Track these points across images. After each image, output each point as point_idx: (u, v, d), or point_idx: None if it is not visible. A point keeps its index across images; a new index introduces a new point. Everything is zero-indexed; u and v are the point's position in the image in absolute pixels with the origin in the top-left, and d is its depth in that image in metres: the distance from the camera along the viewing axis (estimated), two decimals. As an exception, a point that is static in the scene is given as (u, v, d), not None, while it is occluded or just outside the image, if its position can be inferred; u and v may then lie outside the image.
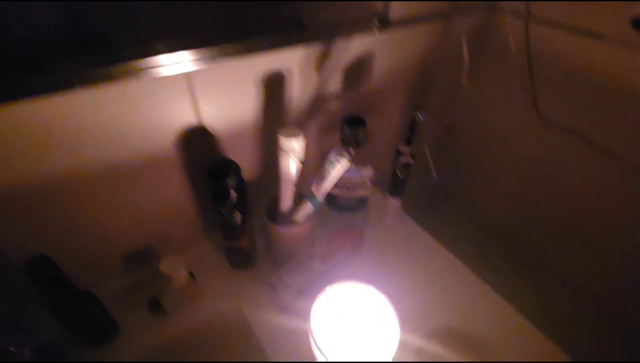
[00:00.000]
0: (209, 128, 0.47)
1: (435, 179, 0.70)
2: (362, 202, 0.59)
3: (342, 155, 0.45)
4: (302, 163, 0.47)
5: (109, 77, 0.37)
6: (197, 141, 0.48)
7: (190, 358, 0.49)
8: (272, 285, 0.50)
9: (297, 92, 0.53)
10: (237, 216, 0.49)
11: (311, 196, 0.49)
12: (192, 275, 0.52)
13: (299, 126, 0.54)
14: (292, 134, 0.45)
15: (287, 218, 0.51)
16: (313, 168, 0.56)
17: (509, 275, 0.65)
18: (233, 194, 0.46)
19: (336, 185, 0.56)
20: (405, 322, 0.49)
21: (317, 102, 0.56)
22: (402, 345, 0.47)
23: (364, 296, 0.41)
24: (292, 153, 0.46)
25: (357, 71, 0.58)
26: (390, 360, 0.36)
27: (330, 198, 0.59)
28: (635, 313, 0.57)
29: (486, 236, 0.74)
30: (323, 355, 0.34)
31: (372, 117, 0.65)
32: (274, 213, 0.53)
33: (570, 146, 0.59)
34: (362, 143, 0.52)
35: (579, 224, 0.61)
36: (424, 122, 0.51)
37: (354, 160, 0.53)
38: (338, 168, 0.46)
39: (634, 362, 0.59)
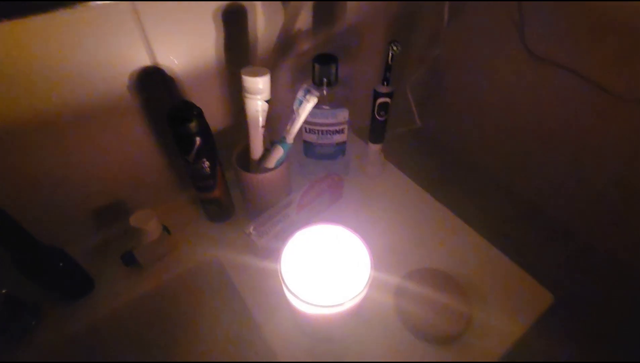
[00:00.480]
0: (166, 70, 0.44)
1: (419, 125, 0.68)
2: (340, 149, 0.57)
3: (310, 93, 0.42)
4: (268, 103, 0.44)
5: (41, 7, 0.33)
6: (155, 85, 0.44)
7: (168, 310, 0.49)
8: (248, 234, 0.49)
9: (263, 29, 0.49)
10: (206, 164, 0.46)
11: (281, 140, 0.46)
12: (166, 229, 0.51)
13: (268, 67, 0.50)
14: (257, 73, 0.42)
15: (258, 165, 0.49)
16: (287, 114, 0.53)
17: (496, 218, 0.65)
18: (197, 140, 0.44)
19: (312, 131, 0.54)
20: (388, 265, 0.49)
21: (287, 41, 0.53)
22: (383, 286, 0.47)
23: (337, 237, 0.40)
24: (258, 94, 0.43)
25: (329, 5, 0.53)
26: (362, 296, 0.35)
27: (307, 145, 0.57)
28: (623, 249, 0.57)
29: (471, 180, 0.72)
30: (293, 295, 0.34)
31: (349, 58, 0.61)
32: (245, 161, 0.50)
33: (560, 82, 0.55)
34: (334, 82, 0.49)
35: (568, 161, 0.59)
36: (400, 56, 0.48)
37: (328, 101, 0.50)
38: (307, 107, 0.43)
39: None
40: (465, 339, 0.43)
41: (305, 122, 0.53)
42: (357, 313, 0.44)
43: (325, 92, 0.50)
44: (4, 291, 0.41)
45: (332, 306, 0.33)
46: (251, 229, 0.49)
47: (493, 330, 0.44)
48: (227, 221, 0.55)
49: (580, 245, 0.61)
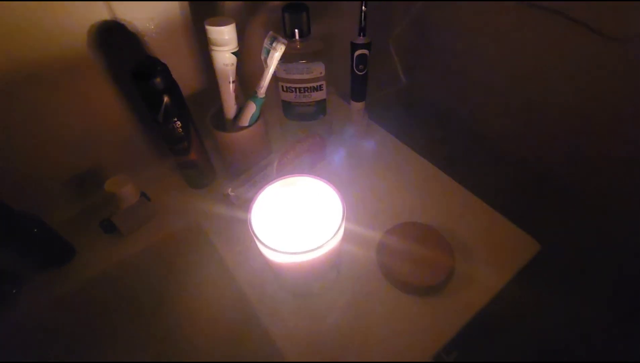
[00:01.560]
0: (127, 25, 0.42)
1: (403, 81, 0.65)
2: (320, 107, 0.55)
3: (277, 40, 0.40)
4: (237, 56, 0.42)
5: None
6: (117, 41, 0.43)
7: (149, 276, 0.48)
8: (226, 195, 0.48)
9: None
10: (178, 125, 0.45)
11: (253, 95, 0.45)
12: (145, 195, 0.50)
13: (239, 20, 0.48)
14: (221, 23, 0.40)
15: (233, 124, 0.48)
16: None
17: (482, 172, 0.63)
18: (165, 98, 0.42)
19: (289, 89, 0.52)
20: (371, 220, 0.48)
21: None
22: (366, 241, 0.46)
23: (312, 189, 0.39)
24: (224, 46, 0.41)
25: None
26: (334, 244, 0.34)
27: (286, 105, 0.55)
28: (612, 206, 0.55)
29: (458, 137, 0.70)
30: (261, 243, 0.33)
31: (325, 10, 0.58)
32: (221, 122, 0.49)
33: (547, 26, 0.52)
34: (306, 33, 0.47)
35: (560, 109, 0.57)
36: (381, 11, 0.45)
37: (302, 55, 0.48)
38: (275, 56, 0.41)
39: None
40: (449, 289, 0.42)
41: (282, 80, 0.51)
42: (337, 268, 0.43)
43: (298, 45, 0.48)
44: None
45: (301, 252, 0.32)
46: (229, 190, 0.48)
47: (477, 279, 0.43)
48: (208, 186, 0.54)
49: (567, 194, 0.59)
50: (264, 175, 0.49)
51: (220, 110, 0.48)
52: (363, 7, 0.46)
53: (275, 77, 0.51)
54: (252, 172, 0.50)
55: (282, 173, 0.50)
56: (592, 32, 0.47)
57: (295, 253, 0.32)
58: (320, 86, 0.52)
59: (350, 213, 0.42)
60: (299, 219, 0.38)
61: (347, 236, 0.42)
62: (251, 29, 0.53)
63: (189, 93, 0.51)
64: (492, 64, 0.62)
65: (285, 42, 0.40)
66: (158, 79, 0.41)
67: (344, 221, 0.34)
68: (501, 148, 0.66)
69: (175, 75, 0.43)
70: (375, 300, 0.42)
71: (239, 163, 0.51)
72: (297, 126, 0.57)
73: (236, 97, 0.46)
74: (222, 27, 0.40)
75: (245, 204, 0.46)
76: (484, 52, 0.62)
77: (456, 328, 0.40)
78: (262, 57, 0.42)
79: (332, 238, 0.33)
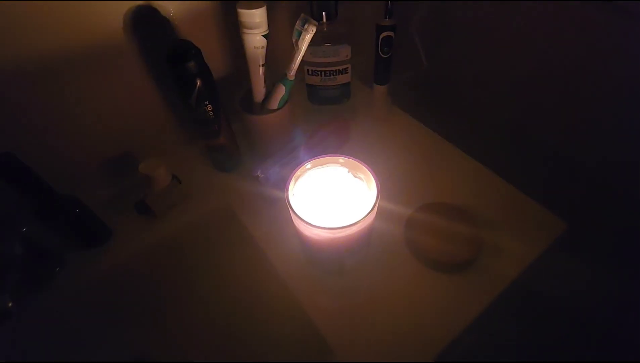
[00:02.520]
0: (160, 9, 0.43)
1: (425, 65, 0.65)
2: (345, 91, 0.56)
3: (308, 22, 0.41)
4: (267, 39, 0.43)
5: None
6: (151, 26, 0.43)
7: (183, 256, 0.50)
8: (256, 176, 0.49)
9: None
10: (209, 108, 0.46)
11: (282, 77, 0.45)
12: (177, 178, 0.51)
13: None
14: (253, 6, 0.41)
15: (262, 107, 0.48)
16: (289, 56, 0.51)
17: (507, 155, 0.63)
18: (198, 81, 0.43)
19: (314, 72, 0.53)
20: (398, 200, 0.48)
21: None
22: (394, 219, 0.47)
23: (345, 168, 0.40)
24: (255, 28, 0.42)
25: None
26: (368, 222, 0.35)
27: (310, 89, 0.56)
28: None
29: (479, 120, 0.70)
30: (298, 217, 0.34)
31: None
32: (249, 104, 0.50)
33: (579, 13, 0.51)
34: (334, 17, 0.47)
35: (572, 95, 0.56)
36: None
37: (328, 38, 0.49)
38: (306, 38, 0.41)
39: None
40: (477, 267, 0.43)
41: (307, 63, 0.52)
42: (367, 246, 0.44)
43: (325, 27, 0.48)
44: (24, 229, 0.42)
45: (338, 228, 0.33)
46: (259, 171, 0.49)
47: (504, 257, 0.44)
48: (235, 170, 0.55)
49: (592, 178, 0.59)
50: (292, 157, 0.50)
51: (249, 93, 0.49)
52: (390, -12, 0.46)
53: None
54: (279, 154, 0.51)
55: (309, 155, 0.51)
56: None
57: (331, 229, 0.33)
58: (345, 69, 0.52)
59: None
60: (331, 198, 0.39)
61: (377, 216, 0.43)
62: (278, 12, 0.53)
63: (218, 77, 0.52)
64: (513, 48, 0.62)
65: (317, 24, 0.41)
66: (192, 63, 0.42)
67: (378, 198, 0.35)
68: (524, 132, 0.66)
69: (206, 59, 0.44)
70: (403, 278, 0.43)
71: (267, 145, 0.52)
72: (321, 112, 0.58)
73: (265, 80, 0.47)
74: (254, 10, 0.40)
75: (275, 186, 0.48)
76: (507, 35, 0.61)
77: (483, 305, 0.41)
78: (293, 40, 0.42)
79: (367, 215, 0.34)
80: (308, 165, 0.39)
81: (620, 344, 0.64)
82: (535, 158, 0.64)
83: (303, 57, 0.50)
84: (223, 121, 0.49)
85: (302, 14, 0.41)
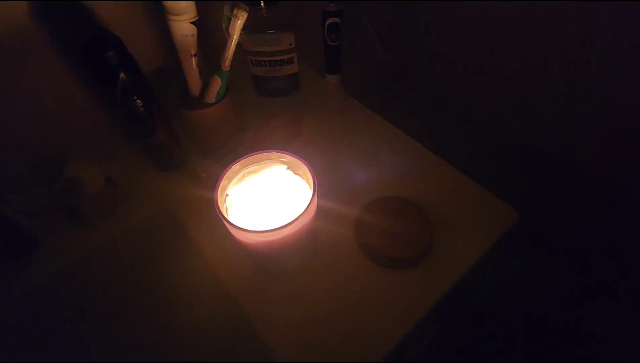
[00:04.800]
0: (75, -5, 0.39)
1: (380, 53, 0.63)
2: (293, 82, 0.53)
3: (237, 6, 0.37)
4: (195, 24, 0.39)
5: None
6: (63, 13, 0.39)
7: (119, 263, 0.46)
8: (197, 177, 0.46)
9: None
10: (138, 104, 0.42)
11: (217, 69, 0.42)
12: (112, 180, 0.47)
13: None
14: (178, -10, 0.37)
15: (199, 101, 0.45)
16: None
17: (462, 144, 0.62)
18: (121, 73, 0.39)
19: (259, 63, 0.50)
20: (349, 197, 0.46)
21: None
22: (343, 217, 0.45)
23: (284, 166, 0.37)
24: (182, 14, 0.38)
25: None
26: (304, 222, 0.32)
27: (257, 80, 0.52)
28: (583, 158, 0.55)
29: (438, 111, 0.69)
30: (231, 224, 0.31)
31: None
32: (186, 99, 0.46)
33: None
34: (270, 1, 0.44)
35: (540, 83, 0.55)
36: None
37: (270, 24, 0.45)
38: (238, 24, 0.38)
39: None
40: (429, 260, 0.42)
41: (250, 53, 0.49)
42: (312, 245, 0.42)
43: (264, 12, 0.45)
44: None
45: (271, 231, 0.31)
46: (200, 171, 0.46)
47: (456, 249, 0.42)
48: (179, 168, 0.52)
49: (547, 163, 0.59)
50: (237, 154, 0.47)
51: (184, 86, 0.45)
52: (331, -30, 0.43)
53: (243, 50, 0.48)
54: (223, 151, 0.48)
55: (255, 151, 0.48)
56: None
57: (264, 232, 0.31)
58: (291, 58, 0.49)
59: (327, 188, 0.41)
60: (269, 198, 0.37)
61: (324, 213, 0.41)
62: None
63: (151, 69, 0.48)
64: (475, 37, 0.60)
65: (248, 8, 0.37)
66: (111, 54, 0.38)
67: (314, 196, 0.33)
68: (482, 119, 0.65)
69: (133, 50, 0.40)
70: (354, 276, 0.41)
71: (209, 142, 0.48)
72: (271, 104, 0.55)
73: (200, 72, 0.43)
74: (178, -6, 0.37)
75: (214, 185, 0.45)
76: (467, 25, 0.59)
77: (435, 299, 0.40)
78: (224, 27, 0.39)
79: (302, 215, 0.32)
80: (243, 161, 0.36)
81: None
82: (493, 148, 0.64)
83: (244, 46, 0.47)
84: (158, 117, 0.45)
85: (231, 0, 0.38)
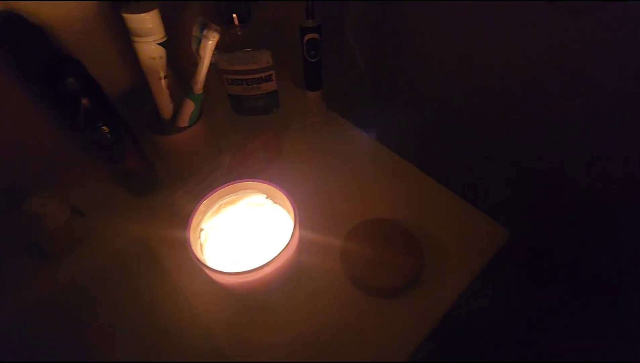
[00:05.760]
0: (27, 16, 0.35)
1: (362, 67, 0.61)
2: (272, 100, 0.50)
3: (207, 27, 0.35)
4: (164, 45, 0.36)
5: None
6: (18, 37, 0.36)
7: (87, 302, 0.43)
8: (172, 204, 0.43)
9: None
10: (105, 130, 0.39)
11: (189, 92, 0.39)
12: (78, 211, 0.44)
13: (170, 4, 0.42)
14: (142, 9, 0.34)
15: (172, 124, 0.42)
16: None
17: (449, 157, 0.61)
18: (84, 100, 0.36)
19: (235, 81, 0.47)
20: (333, 221, 0.44)
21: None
22: (328, 244, 0.43)
23: (264, 195, 0.35)
24: (149, 36, 0.36)
25: None
26: (285, 258, 0.30)
27: (233, 99, 0.50)
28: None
29: (422, 123, 0.67)
30: (204, 266, 0.28)
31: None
32: (157, 122, 0.43)
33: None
34: (247, 18, 0.42)
35: (519, 98, 0.55)
36: None
37: (245, 43, 0.43)
38: (209, 46, 0.36)
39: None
40: (419, 287, 0.40)
41: (225, 71, 0.46)
42: (296, 277, 0.40)
43: (239, 31, 0.42)
44: None
45: (247, 272, 0.28)
46: (175, 199, 0.43)
47: (447, 274, 0.41)
48: (154, 194, 0.49)
49: (536, 179, 0.58)
50: (213, 179, 0.45)
51: (155, 109, 0.43)
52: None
53: (217, 68, 0.46)
54: (199, 176, 0.45)
55: (233, 175, 0.46)
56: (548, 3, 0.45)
57: (241, 274, 0.28)
58: (269, 76, 0.47)
59: (311, 212, 0.39)
60: (249, 230, 0.34)
61: (308, 239, 0.39)
62: (187, 13, 0.47)
63: (121, 91, 0.45)
64: (454, 45, 0.59)
65: (219, 28, 0.35)
66: (70, 80, 0.35)
67: (296, 230, 0.30)
68: (469, 133, 0.64)
69: (98, 72, 0.37)
70: (340, 307, 0.39)
71: (183, 167, 0.45)
72: (250, 122, 0.52)
73: (171, 95, 0.40)
74: (143, 15, 0.34)
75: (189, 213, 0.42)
76: (448, 34, 0.58)
77: (429, 327, 0.38)
78: (193, 49, 0.36)
79: (282, 252, 0.29)
80: (219, 193, 0.33)
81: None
82: (482, 164, 0.63)
83: (218, 65, 0.45)
84: (128, 143, 0.42)
85: (200, 18, 0.35)
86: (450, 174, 0.50)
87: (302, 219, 0.35)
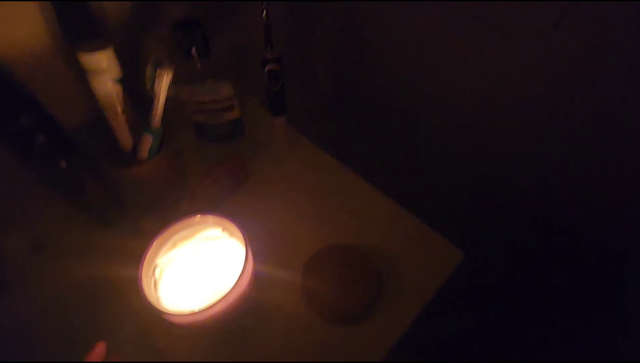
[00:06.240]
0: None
1: (329, 88, 0.63)
2: (236, 127, 0.51)
3: (161, 66, 0.36)
4: (120, 82, 0.37)
5: None
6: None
7: (50, 334, 0.42)
8: (133, 235, 0.43)
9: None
10: (62, 165, 0.39)
11: (146, 127, 0.40)
12: (38, 244, 0.44)
13: (126, 40, 0.42)
14: (97, 48, 0.35)
15: (133, 156, 0.43)
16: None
17: (412, 175, 0.63)
18: (39, 137, 0.36)
19: (198, 110, 0.48)
20: (293, 248, 0.45)
21: (146, 10, 0.45)
22: (292, 271, 0.44)
23: (218, 228, 0.36)
24: (104, 73, 0.36)
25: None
26: (237, 294, 0.31)
27: (197, 127, 0.50)
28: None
29: (388, 144, 0.69)
30: (153, 307, 0.29)
31: (231, 18, 0.54)
32: (117, 154, 0.44)
33: (460, 22, 0.51)
34: (206, 51, 0.43)
35: (492, 118, 0.56)
36: (301, 14, 0.42)
37: (204, 74, 0.44)
38: (164, 83, 0.36)
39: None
40: (378, 311, 0.41)
41: (188, 102, 0.47)
42: (260, 309, 0.40)
43: (198, 64, 0.43)
44: None
45: (197, 312, 0.29)
46: (138, 230, 0.43)
47: (404, 297, 0.42)
48: (116, 224, 0.49)
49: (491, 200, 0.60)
50: (175, 209, 0.45)
51: (115, 141, 0.43)
52: (265, 21, 0.42)
53: (180, 99, 0.47)
54: (163, 207, 0.46)
55: (197, 204, 0.46)
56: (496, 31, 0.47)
57: (191, 314, 0.29)
58: (231, 105, 0.48)
59: (271, 244, 0.40)
60: (205, 265, 0.35)
61: (267, 270, 0.39)
62: (149, 44, 0.47)
63: (80, 122, 0.45)
64: (418, 63, 0.61)
65: (173, 66, 0.36)
66: (24, 117, 0.35)
67: (246, 269, 0.31)
68: (433, 151, 0.66)
69: (56, 105, 0.38)
70: (303, 337, 0.40)
71: (145, 197, 0.46)
72: (216, 147, 0.53)
73: (131, 128, 0.41)
74: (97, 54, 0.35)
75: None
76: (409, 52, 0.60)
77: (386, 349, 0.39)
78: (147, 86, 0.37)
79: (234, 288, 0.30)
80: (170, 231, 0.34)
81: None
82: (443, 184, 0.65)
83: (181, 95, 0.45)
84: (88, 175, 0.42)
85: (153, 57, 0.36)
86: (413, 196, 0.51)
87: (262, 250, 0.35)
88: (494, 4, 0.44)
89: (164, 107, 0.39)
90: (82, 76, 0.43)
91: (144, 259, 0.31)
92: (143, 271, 0.31)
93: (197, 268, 0.34)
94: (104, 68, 0.36)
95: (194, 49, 0.41)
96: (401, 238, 0.47)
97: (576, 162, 0.50)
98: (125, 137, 0.41)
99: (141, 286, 0.30)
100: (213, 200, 0.49)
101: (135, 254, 0.44)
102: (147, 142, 0.40)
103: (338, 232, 0.47)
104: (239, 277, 0.30)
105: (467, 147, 0.61)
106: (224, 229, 0.35)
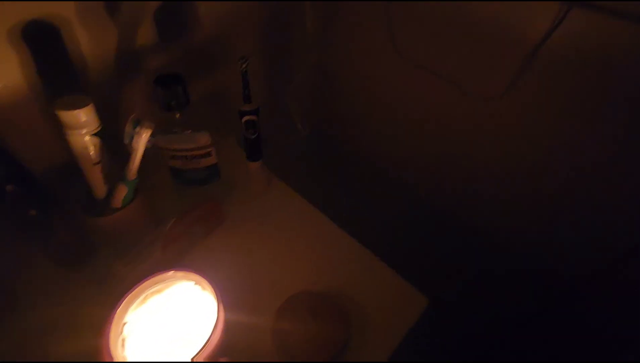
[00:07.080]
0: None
1: (303, 133, 0.66)
2: (212, 172, 0.52)
3: (141, 124, 0.37)
4: (98, 136, 0.38)
5: None
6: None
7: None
8: (103, 282, 0.43)
9: (90, 48, 0.42)
10: (32, 213, 0.39)
11: (122, 177, 0.41)
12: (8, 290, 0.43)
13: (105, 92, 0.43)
14: (76, 105, 0.36)
15: (106, 205, 0.43)
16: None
17: (385, 221, 0.65)
18: (9, 187, 0.36)
19: (175, 157, 0.49)
20: (265, 295, 0.46)
21: (128, 60, 0.46)
22: (258, 326, 0.44)
23: (188, 283, 0.36)
24: (82, 128, 0.37)
25: (175, 16, 0.48)
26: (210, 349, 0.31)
27: (173, 170, 0.51)
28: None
29: (362, 184, 0.73)
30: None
31: (210, 71, 0.56)
32: (90, 201, 0.44)
33: (424, 82, 0.56)
34: (185, 104, 0.44)
35: (466, 163, 0.60)
36: (276, 64, 0.44)
37: (182, 126, 0.46)
38: (143, 140, 0.38)
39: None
40: (347, 357, 0.42)
41: (164, 149, 0.48)
42: (229, 350, 0.41)
43: (177, 115, 0.45)
44: None
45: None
46: (107, 276, 0.43)
47: (371, 345, 0.43)
48: (87, 267, 0.48)
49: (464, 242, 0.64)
50: (147, 255, 0.45)
51: (88, 189, 0.43)
52: (243, 77, 0.45)
53: (157, 146, 0.47)
54: (136, 249, 0.46)
55: (169, 250, 0.47)
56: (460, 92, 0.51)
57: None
58: (208, 152, 0.49)
59: (243, 291, 0.40)
60: (176, 320, 0.35)
61: (239, 320, 0.40)
62: (129, 92, 0.48)
63: (52, 168, 0.45)
64: (391, 111, 0.65)
65: (152, 125, 0.37)
66: (-4, 170, 0.35)
67: (218, 325, 0.32)
68: (407, 196, 0.69)
69: (27, 151, 0.38)
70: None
71: (117, 242, 0.46)
72: (192, 188, 0.54)
73: (105, 177, 0.41)
74: (77, 111, 0.36)
75: (125, 290, 0.42)
76: (380, 105, 0.64)
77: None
78: (126, 141, 0.38)
79: (204, 347, 0.31)
80: (136, 291, 0.34)
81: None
82: (413, 228, 0.68)
83: (158, 143, 0.46)
84: (58, 220, 0.42)
85: (133, 115, 0.37)
86: (387, 239, 0.54)
87: (235, 296, 0.36)
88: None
89: (141, 160, 0.40)
90: (58, 125, 0.43)
91: (112, 318, 0.32)
92: (111, 329, 0.31)
93: (168, 322, 0.35)
94: (81, 123, 0.36)
95: (173, 102, 0.43)
96: (370, 284, 0.49)
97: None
98: (99, 186, 0.41)
99: (107, 346, 0.30)
100: (186, 245, 0.49)
101: (104, 301, 0.44)
102: (122, 192, 0.41)
103: (310, 276, 0.48)
104: (210, 336, 0.31)
105: (430, 185, 0.65)
106: (196, 282, 0.36)
